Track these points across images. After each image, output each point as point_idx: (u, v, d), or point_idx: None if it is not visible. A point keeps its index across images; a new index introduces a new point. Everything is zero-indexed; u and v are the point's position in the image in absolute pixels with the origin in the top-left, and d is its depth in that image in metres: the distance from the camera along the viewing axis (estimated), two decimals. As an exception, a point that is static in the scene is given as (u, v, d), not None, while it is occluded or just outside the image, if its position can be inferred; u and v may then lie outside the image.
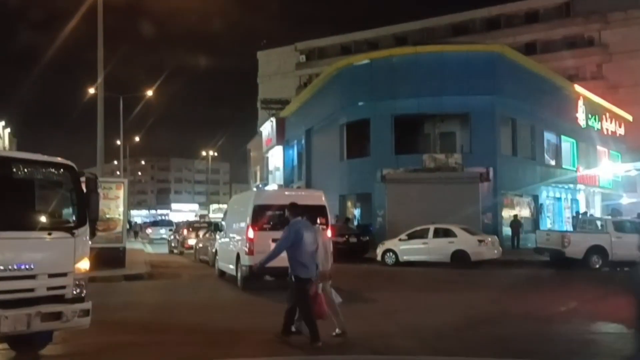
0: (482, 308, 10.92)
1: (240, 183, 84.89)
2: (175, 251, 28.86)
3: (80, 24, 19.50)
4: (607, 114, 40.19)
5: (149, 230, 45.97)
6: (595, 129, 38.15)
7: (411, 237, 20.14)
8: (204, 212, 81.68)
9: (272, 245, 12.62)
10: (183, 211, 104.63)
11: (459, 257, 18.74)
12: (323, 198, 14.52)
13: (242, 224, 13.98)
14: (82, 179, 6.81)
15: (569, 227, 35.46)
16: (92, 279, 14.46)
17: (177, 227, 34.14)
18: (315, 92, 35.06)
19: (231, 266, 14.63)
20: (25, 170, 6.49)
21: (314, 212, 12.88)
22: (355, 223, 28.61)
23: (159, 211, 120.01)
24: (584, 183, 34.83)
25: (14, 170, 6.37)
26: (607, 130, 40.08)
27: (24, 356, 6.97)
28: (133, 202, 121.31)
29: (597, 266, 17.96)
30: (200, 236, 24.06)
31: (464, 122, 28.61)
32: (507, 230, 27.58)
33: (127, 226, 53.28)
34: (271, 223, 13.29)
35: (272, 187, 42.51)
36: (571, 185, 34.83)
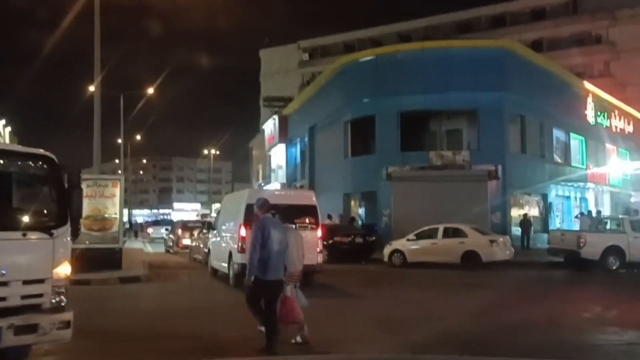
0: (501, 314, 10.18)
1: (243, 182, 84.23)
2: (170, 251, 28.85)
3: (82, 21, 18.90)
4: (616, 112, 39.47)
5: (150, 230, 45.38)
6: (604, 127, 37.43)
7: (420, 237, 19.39)
8: (206, 211, 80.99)
9: None
10: (185, 210, 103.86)
11: (470, 258, 17.99)
12: (313, 198, 14.72)
13: (235, 223, 14.00)
14: (67, 173, 6.06)
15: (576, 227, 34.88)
16: (86, 282, 14.02)
17: (172, 227, 33.79)
18: (319, 89, 34.32)
19: (224, 264, 14.65)
20: (-2, 161, 5.75)
21: (304, 211, 13.77)
22: (360, 223, 27.89)
23: (161, 210, 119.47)
24: (594, 181, 34.02)
25: (-16, 161, 5.64)
26: (615, 127, 39.33)
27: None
28: (135, 201, 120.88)
29: (614, 267, 17.21)
30: (195, 235, 23.74)
31: (471, 119, 27.89)
32: (516, 230, 26.86)
33: (127, 226, 52.87)
34: None
35: (274, 185, 41.96)
36: (581, 184, 34.03)
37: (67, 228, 5.88)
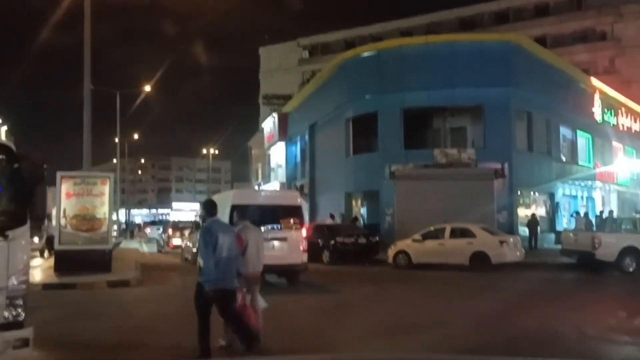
0: (520, 321, 9.33)
1: (242, 182, 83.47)
2: (162, 251, 28.82)
3: (80, 20, 18.12)
4: (623, 109, 38.66)
5: (147, 230, 44.80)
6: (611, 125, 36.61)
7: (426, 237, 18.52)
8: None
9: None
10: (184, 210, 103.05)
11: (479, 260, 17.12)
12: (299, 199, 15.06)
13: None
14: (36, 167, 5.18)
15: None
16: (71, 286, 13.15)
17: (164, 227, 33.70)
18: (320, 86, 33.47)
19: None
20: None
21: (289, 212, 14.02)
22: (362, 222, 27.02)
23: (160, 210, 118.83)
24: (602, 180, 33.18)
25: None
26: (622, 125, 38.52)
27: None
28: (134, 201, 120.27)
29: (631, 270, 16.33)
30: (186, 236, 23.44)
31: (477, 116, 27.04)
32: (522, 230, 26.03)
33: (124, 226, 52.06)
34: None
35: (274, 185, 41.17)
36: (589, 183, 33.21)
37: (27, 229, 5.00)
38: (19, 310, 4.85)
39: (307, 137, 35.37)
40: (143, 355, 7.13)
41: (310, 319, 10.05)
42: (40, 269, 16.62)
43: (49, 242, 18.40)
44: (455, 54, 25.92)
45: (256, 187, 50.46)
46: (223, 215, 13.41)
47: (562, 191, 31.11)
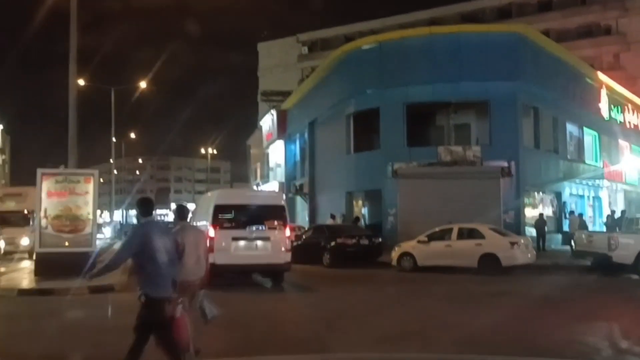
0: (542, 333, 8.38)
1: (242, 182, 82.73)
2: None
3: (78, 16, 17.20)
4: (630, 105, 37.74)
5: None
6: (618, 122, 35.70)
7: (432, 238, 17.52)
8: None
9: (233, 244, 13.38)
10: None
11: (488, 262, 16.12)
12: (282, 199, 15.54)
13: (205, 223, 14.15)
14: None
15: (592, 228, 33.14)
16: (49, 292, 12.15)
17: None
18: (319, 81, 32.46)
19: None
20: None
21: (272, 212, 14.26)
22: (363, 223, 26.05)
23: (159, 211, 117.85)
24: (611, 179, 32.21)
25: None
26: (629, 123, 37.63)
27: None
28: (132, 201, 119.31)
29: (651, 273, 15.34)
30: None
31: (481, 112, 26.07)
32: (528, 231, 25.08)
33: (118, 226, 51.10)
34: (231, 222, 13.91)
35: (273, 184, 40.22)
36: (596, 182, 32.25)
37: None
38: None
39: (306, 134, 34.41)
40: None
41: (302, 329, 9.13)
42: (22, 273, 15.67)
43: None
44: (460, 46, 24.95)
45: (255, 187, 49.60)
46: (208, 214, 14.14)
47: (569, 190, 30.16)
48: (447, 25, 25.74)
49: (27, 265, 17.98)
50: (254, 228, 13.90)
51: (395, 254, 18.09)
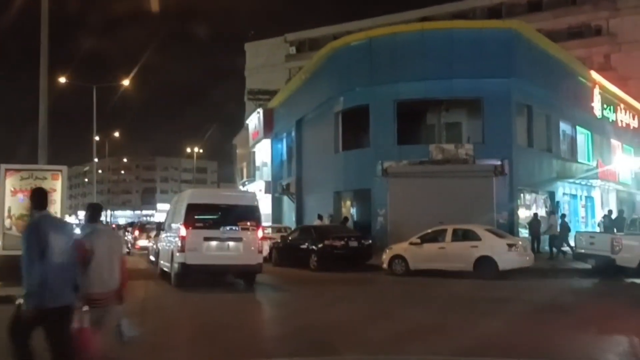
0: (560, 346, 7.50)
1: (229, 182, 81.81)
2: (129, 252, 28.24)
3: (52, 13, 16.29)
4: (622, 105, 37.31)
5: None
6: (610, 121, 35.24)
7: (425, 240, 16.66)
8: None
9: (204, 244, 13.22)
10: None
11: (484, 265, 15.29)
12: (255, 199, 15.32)
13: (177, 223, 14.15)
14: None
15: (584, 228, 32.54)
16: (10, 299, 11.14)
17: (132, 228, 33.02)
18: (307, 78, 31.56)
19: (168, 264, 14.72)
20: None
21: (245, 212, 14.21)
22: (351, 223, 25.17)
23: (144, 212, 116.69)
24: (605, 179, 31.61)
25: None
26: (621, 122, 37.23)
27: None
28: (117, 202, 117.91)
29: (656, 277, 14.60)
30: (152, 237, 22.58)
31: (473, 111, 25.32)
32: (524, 232, 24.36)
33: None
34: (203, 222, 13.85)
35: (258, 184, 39.32)
36: (590, 182, 31.63)
37: None
38: None
39: (293, 133, 33.50)
40: None
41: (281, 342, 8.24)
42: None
43: None
44: (452, 42, 24.19)
45: (241, 187, 48.64)
46: (180, 213, 13.96)
47: (562, 190, 29.50)
48: (439, 21, 24.84)
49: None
50: (226, 228, 13.77)
51: (386, 256, 17.22)
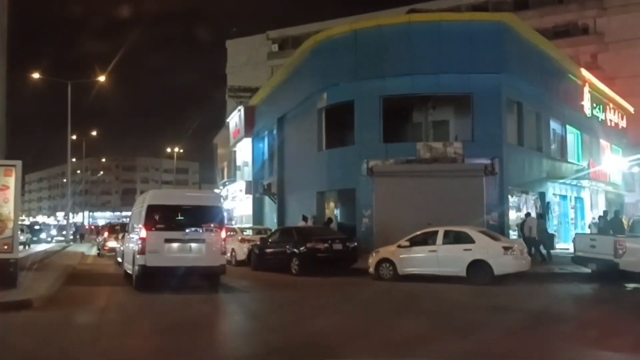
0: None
1: (211, 183, 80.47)
2: (100, 254, 28.15)
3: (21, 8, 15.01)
4: (611, 105, 36.65)
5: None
6: (600, 120, 34.55)
7: (414, 243, 15.50)
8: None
9: (165, 246, 13.14)
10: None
11: (478, 270, 14.18)
12: (219, 200, 15.27)
13: (138, 224, 13.95)
14: None
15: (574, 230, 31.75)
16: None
17: (101, 229, 32.49)
18: (289, 74, 30.35)
19: (130, 266, 14.60)
20: None
21: (209, 213, 13.97)
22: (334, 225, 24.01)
23: (124, 213, 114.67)
24: (597, 179, 30.79)
25: None
26: (610, 121, 36.64)
27: None
28: (97, 203, 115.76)
29: (661, 281, 13.59)
30: (120, 238, 21.99)
31: (462, 107, 24.30)
32: (514, 234, 23.41)
33: (73, 228, 48.56)
34: (165, 223, 13.55)
35: (239, 184, 38.13)
36: (581, 182, 30.80)
37: None
38: None
39: (275, 131, 32.29)
40: None
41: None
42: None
43: None
44: (440, 36, 23.14)
45: (221, 187, 47.40)
46: (141, 215, 13.73)
47: (552, 191, 28.62)
48: (427, 13, 23.78)
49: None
50: (188, 230, 13.52)
51: (372, 260, 16.04)
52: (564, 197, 30.78)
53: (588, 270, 14.96)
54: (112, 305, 11.53)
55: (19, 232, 14.14)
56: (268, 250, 19.23)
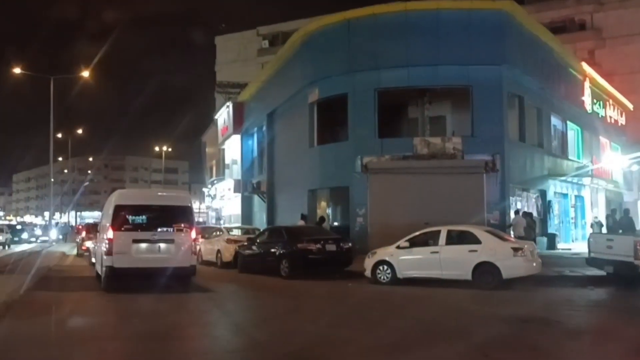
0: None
1: (200, 183, 79.09)
2: (79, 253, 27.44)
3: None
4: (611, 101, 35.67)
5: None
6: (600, 116, 33.56)
7: (414, 243, 14.22)
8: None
9: (133, 246, 12.95)
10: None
11: (485, 273, 12.92)
12: (189, 200, 14.86)
13: (105, 225, 13.79)
14: None
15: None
16: None
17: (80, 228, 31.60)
18: (280, 67, 29.08)
19: (99, 267, 14.40)
20: None
21: (178, 213, 13.76)
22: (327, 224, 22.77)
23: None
24: (600, 177, 29.71)
25: None
26: (610, 118, 35.69)
27: None
28: (85, 203, 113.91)
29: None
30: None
31: (461, 100, 23.14)
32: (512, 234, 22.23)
33: (53, 228, 47.02)
34: (132, 223, 13.37)
35: (227, 183, 36.87)
36: (582, 180, 29.71)
37: None
38: None
39: (264, 127, 31.04)
40: None
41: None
42: None
43: None
44: (439, 25, 22.04)
45: (209, 186, 46.19)
46: (108, 215, 13.57)
47: (553, 189, 27.50)
48: (424, 1, 22.57)
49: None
50: (157, 230, 13.26)
51: (369, 262, 14.75)
52: (564, 196, 29.71)
53: (602, 273, 13.77)
54: (75, 314, 10.20)
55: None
56: (256, 252, 17.97)
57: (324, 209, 24.88)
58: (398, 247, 14.32)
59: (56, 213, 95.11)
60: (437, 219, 16.73)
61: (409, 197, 20.90)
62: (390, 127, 23.35)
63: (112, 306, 11.58)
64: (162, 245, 13.19)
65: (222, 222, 39.59)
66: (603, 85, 34.08)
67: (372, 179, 21.73)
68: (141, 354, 7.34)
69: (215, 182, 42.91)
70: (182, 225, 13.55)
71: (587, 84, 31.13)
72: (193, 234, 13.69)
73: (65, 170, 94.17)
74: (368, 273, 14.64)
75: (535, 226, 22.02)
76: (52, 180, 54.29)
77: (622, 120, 38.29)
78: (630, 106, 39.24)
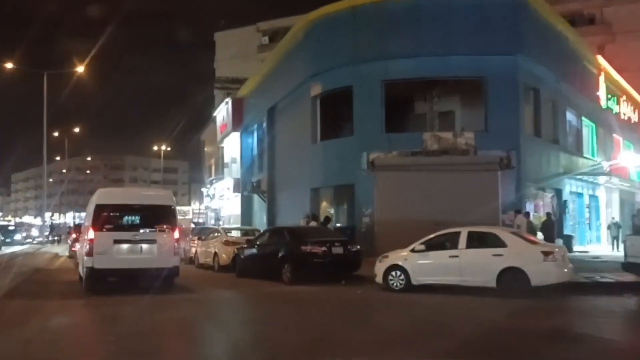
0: None
1: (200, 183, 77.96)
2: (69, 254, 27.18)
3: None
4: (624, 97, 34.33)
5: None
6: (614, 113, 32.17)
7: (431, 246, 12.79)
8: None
9: (114, 247, 12.82)
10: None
11: (511, 279, 11.50)
12: (171, 199, 14.46)
13: (87, 225, 13.71)
14: None
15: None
16: None
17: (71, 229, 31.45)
18: (281, 59, 27.78)
19: (82, 268, 14.15)
20: None
21: (160, 212, 13.54)
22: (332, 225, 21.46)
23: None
24: (618, 175, 28.35)
25: None
26: (624, 115, 34.30)
27: None
28: (83, 203, 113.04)
29: None
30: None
31: (473, 93, 21.82)
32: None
33: (48, 229, 45.79)
34: (114, 223, 13.18)
35: (227, 182, 35.63)
36: (597, 179, 28.35)
37: None
38: None
39: (265, 124, 29.70)
40: None
41: None
42: None
43: None
44: (450, 12, 20.83)
45: (208, 186, 44.99)
46: (90, 215, 13.28)
47: (569, 188, 26.16)
48: (434, -13, 21.34)
49: None
50: (139, 230, 13.10)
51: (380, 266, 13.34)
52: (579, 195, 28.37)
53: (636, 279, 12.39)
54: (46, 331, 8.81)
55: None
56: (256, 254, 16.64)
57: (325, 208, 23.55)
58: (413, 251, 12.92)
59: (55, 213, 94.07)
60: (448, 219, 15.62)
61: (418, 196, 19.60)
62: (398, 121, 22.06)
63: (90, 320, 10.24)
64: (144, 246, 13.00)
65: (221, 222, 38.32)
66: (618, 80, 32.75)
67: (378, 176, 20.50)
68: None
69: (214, 181, 41.67)
70: (165, 225, 13.33)
71: (602, 79, 29.80)
72: (176, 234, 13.44)
73: (64, 170, 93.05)
74: (379, 279, 13.25)
75: (554, 227, 20.65)
76: (47, 178, 53.03)
77: (635, 118, 36.96)
78: (644, 102, 37.93)
